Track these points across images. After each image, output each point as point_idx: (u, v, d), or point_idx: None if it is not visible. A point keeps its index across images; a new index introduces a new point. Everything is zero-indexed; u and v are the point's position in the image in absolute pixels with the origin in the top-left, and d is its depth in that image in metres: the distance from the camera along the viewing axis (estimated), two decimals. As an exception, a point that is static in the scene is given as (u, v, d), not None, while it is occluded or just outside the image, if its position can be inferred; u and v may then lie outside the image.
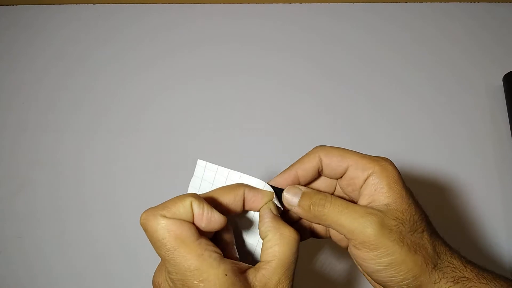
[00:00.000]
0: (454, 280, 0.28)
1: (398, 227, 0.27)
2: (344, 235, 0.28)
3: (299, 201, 0.29)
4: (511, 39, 0.65)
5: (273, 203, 0.30)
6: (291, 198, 0.29)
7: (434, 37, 0.66)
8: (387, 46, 0.65)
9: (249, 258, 0.32)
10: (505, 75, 0.59)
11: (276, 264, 0.26)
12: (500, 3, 0.68)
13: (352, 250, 0.29)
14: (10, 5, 0.71)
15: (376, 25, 0.67)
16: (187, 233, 0.24)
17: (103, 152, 0.57)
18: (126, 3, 0.70)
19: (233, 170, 0.30)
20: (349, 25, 0.67)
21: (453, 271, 0.28)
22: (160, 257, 0.25)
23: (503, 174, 0.54)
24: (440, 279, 0.28)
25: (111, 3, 0.70)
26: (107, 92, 0.62)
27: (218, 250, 0.25)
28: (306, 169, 0.31)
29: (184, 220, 0.25)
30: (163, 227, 0.24)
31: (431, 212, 0.31)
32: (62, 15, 0.70)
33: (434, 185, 0.54)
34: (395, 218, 0.27)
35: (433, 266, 0.28)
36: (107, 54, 0.66)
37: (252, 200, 0.29)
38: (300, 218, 0.34)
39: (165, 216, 0.25)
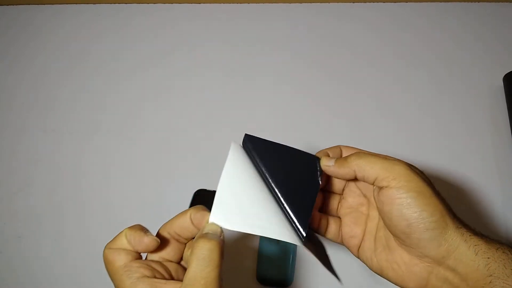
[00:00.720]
0: (473, 232, 0.30)
1: (419, 175, 0.31)
2: (376, 178, 0.31)
3: (335, 160, 0.34)
4: (512, 39, 0.65)
5: (212, 224, 0.29)
6: (328, 160, 0.34)
7: (434, 37, 0.65)
8: (387, 46, 0.65)
9: None
10: (505, 75, 0.59)
11: (186, 280, 0.27)
12: (501, 3, 0.68)
13: (383, 193, 0.31)
14: (10, 5, 0.71)
15: (376, 25, 0.67)
16: (116, 258, 0.29)
17: (103, 152, 0.57)
18: (126, 3, 0.70)
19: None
20: (349, 25, 0.67)
21: (468, 226, 0.31)
22: None
23: (503, 174, 0.54)
24: (462, 226, 0.30)
25: (111, 3, 0.70)
26: (107, 92, 0.62)
27: (143, 271, 0.29)
28: (334, 152, 0.36)
29: (121, 248, 0.29)
30: (105, 256, 0.30)
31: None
32: (62, 15, 0.70)
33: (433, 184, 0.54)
34: (415, 169, 0.32)
35: (452, 215, 0.30)
36: (107, 54, 0.66)
37: (196, 223, 0.31)
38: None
39: (110, 248, 0.30)
